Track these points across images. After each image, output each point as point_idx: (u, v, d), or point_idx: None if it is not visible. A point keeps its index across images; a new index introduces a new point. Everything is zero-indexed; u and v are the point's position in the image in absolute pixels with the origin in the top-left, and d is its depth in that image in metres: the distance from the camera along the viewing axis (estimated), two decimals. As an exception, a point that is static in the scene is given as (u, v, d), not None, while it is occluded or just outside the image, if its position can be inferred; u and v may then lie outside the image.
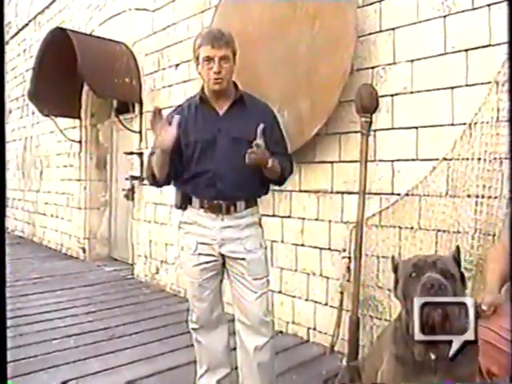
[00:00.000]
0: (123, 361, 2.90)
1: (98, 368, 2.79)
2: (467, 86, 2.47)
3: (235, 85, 2.13)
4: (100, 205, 6.38)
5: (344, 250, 2.90)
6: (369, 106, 2.54)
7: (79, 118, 6.28)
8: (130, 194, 5.31)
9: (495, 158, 2.36)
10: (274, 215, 3.48)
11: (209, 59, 1.98)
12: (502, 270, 1.90)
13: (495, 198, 2.35)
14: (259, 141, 1.97)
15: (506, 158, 2.30)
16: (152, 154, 2.09)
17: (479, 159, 2.41)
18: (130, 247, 5.55)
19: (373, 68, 2.91)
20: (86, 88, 5.88)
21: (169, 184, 2.18)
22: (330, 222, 3.13)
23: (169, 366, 2.82)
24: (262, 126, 2.02)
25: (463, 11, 2.48)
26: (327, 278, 3.15)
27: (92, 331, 3.43)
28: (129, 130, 5.24)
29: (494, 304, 1.81)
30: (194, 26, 4.24)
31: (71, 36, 4.80)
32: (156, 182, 2.14)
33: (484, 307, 1.77)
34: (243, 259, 2.09)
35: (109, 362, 2.87)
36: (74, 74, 4.83)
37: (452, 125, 2.53)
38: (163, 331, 3.44)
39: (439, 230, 2.58)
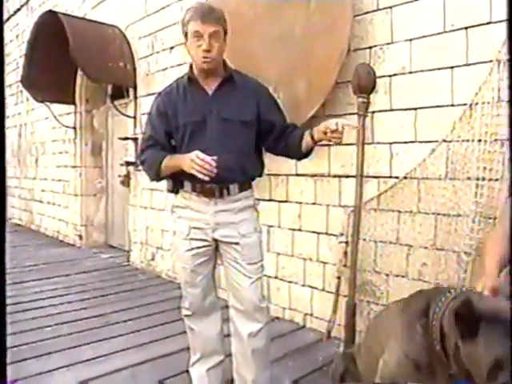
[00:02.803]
0: (116, 348, 2.86)
1: (90, 355, 2.74)
2: (467, 65, 2.40)
3: (224, 63, 2.05)
4: (96, 191, 6.32)
5: (341, 235, 2.84)
6: (366, 85, 2.46)
7: (74, 103, 6.20)
8: (126, 180, 5.25)
9: (496, 140, 2.29)
10: (270, 199, 3.42)
11: (198, 35, 1.89)
12: (501, 254, 1.84)
13: (496, 180, 2.29)
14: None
15: (507, 140, 2.24)
16: (163, 157, 1.99)
17: (479, 141, 2.35)
18: (126, 234, 5.50)
19: (370, 48, 2.83)
20: (80, 73, 5.78)
21: None
22: (327, 206, 3.07)
23: (162, 353, 2.78)
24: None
25: (463, -13, 2.40)
26: (324, 263, 3.10)
27: (86, 318, 3.39)
28: (124, 115, 5.15)
29: (496, 289, 1.76)
30: (187, 7, 4.12)
31: (63, 19, 4.69)
32: (159, 180, 2.11)
33: (487, 293, 1.72)
34: (237, 244, 2.04)
35: (102, 349, 2.83)
36: (68, 59, 4.73)
37: (452, 105, 2.46)
38: (158, 317, 3.40)
39: (439, 214, 2.52)
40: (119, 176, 5.40)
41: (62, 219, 6.76)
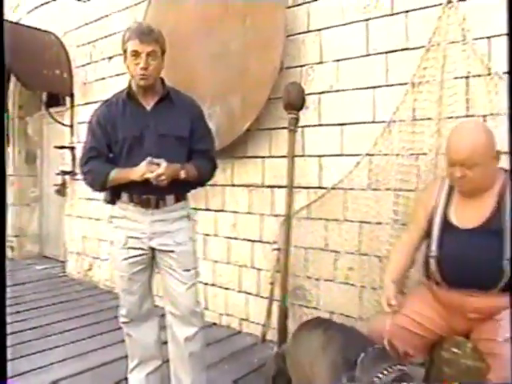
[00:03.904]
0: (54, 359, 2.85)
1: (26, 368, 2.71)
2: (387, 86, 2.63)
3: (162, 81, 2.16)
4: (30, 201, 6.15)
5: (275, 242, 3.00)
6: (296, 103, 2.63)
7: (6, 110, 6.01)
8: (62, 190, 5.17)
9: (412, 154, 2.53)
10: (207, 209, 3.53)
11: (136, 54, 1.98)
12: (404, 260, 2.02)
13: (411, 191, 2.52)
14: (158, 160, 1.99)
15: (420, 154, 2.48)
16: (110, 169, 2.07)
17: (397, 155, 2.58)
18: (61, 244, 5.40)
19: (302, 66, 3.01)
20: (13, 79, 5.63)
21: None
22: (261, 215, 3.22)
23: (101, 362, 2.80)
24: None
25: (383, 16, 2.63)
26: (259, 269, 3.24)
27: (21, 331, 3.33)
28: (60, 123, 5.08)
29: (398, 295, 1.91)
30: (127, 18, 4.18)
31: (-5, 24, 4.58)
32: (102, 190, 2.17)
33: (393, 302, 1.87)
34: (173, 251, 2.13)
35: (38, 361, 2.81)
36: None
37: (373, 122, 2.68)
38: (96, 327, 3.40)
39: (363, 222, 2.73)
40: (55, 185, 5.30)
41: (-8, 229, 6.50)
